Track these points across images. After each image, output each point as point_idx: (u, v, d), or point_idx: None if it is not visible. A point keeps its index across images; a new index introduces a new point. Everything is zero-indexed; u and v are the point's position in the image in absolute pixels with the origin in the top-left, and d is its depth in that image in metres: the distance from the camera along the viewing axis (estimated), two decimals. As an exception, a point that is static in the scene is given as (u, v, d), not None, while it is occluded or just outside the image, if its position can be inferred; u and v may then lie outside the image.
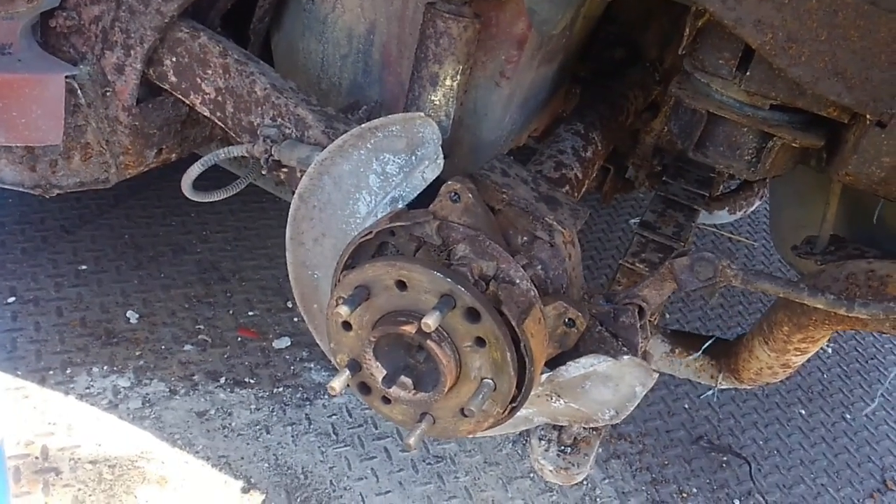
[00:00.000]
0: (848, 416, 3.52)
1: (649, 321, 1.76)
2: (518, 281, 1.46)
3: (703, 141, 1.81)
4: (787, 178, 2.41)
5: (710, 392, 3.25)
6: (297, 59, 2.07)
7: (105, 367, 2.63)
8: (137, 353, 2.71)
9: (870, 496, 3.18)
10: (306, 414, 2.70)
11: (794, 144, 1.73)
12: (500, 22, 1.81)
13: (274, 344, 2.92)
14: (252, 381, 2.75)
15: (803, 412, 3.47)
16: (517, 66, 1.87)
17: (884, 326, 1.69)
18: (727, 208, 3.10)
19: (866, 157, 1.56)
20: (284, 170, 1.77)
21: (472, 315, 1.39)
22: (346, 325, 1.52)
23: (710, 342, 2.25)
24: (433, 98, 1.75)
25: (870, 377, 3.80)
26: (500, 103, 1.95)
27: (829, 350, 3.85)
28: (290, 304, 3.05)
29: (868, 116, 1.52)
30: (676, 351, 2.37)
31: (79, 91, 1.89)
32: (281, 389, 2.75)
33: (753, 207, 3.17)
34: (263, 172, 1.78)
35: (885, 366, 3.91)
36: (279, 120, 1.75)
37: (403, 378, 1.51)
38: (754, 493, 3.00)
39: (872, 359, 3.93)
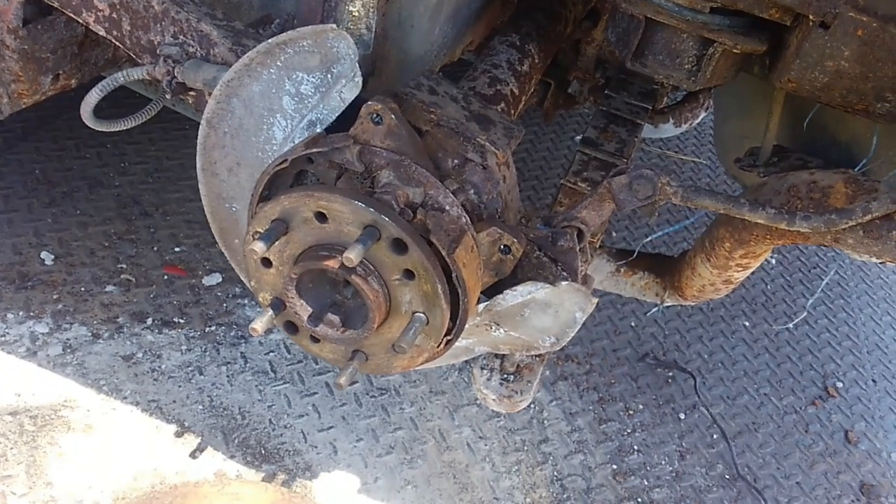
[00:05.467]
0: (791, 326, 3.55)
1: (590, 243, 1.69)
2: (448, 208, 1.36)
3: (642, 49, 1.72)
4: (731, 89, 2.35)
5: (656, 309, 3.24)
6: (203, -30, 1.89)
7: (21, 313, 2.47)
8: (55, 297, 2.56)
9: (811, 403, 3.22)
10: (242, 352, 2.60)
11: (735, 50, 1.66)
12: (422, -79, 1.66)
13: (204, 281, 2.79)
14: (182, 321, 2.62)
15: (747, 324, 3.48)
16: (443, -28, 1.73)
17: (825, 240, 1.64)
18: (672, 121, 3.03)
19: (809, 61, 1.51)
20: (192, 93, 1.62)
21: (399, 246, 1.29)
22: (266, 262, 1.42)
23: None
24: (352, 9, 1.61)
25: (813, 286, 3.83)
26: (427, 13, 1.81)
27: (773, 261, 3.86)
28: (218, 239, 2.91)
29: (811, 17, 1.47)
30: (622, 270, 2.32)
31: (-43, 13, 1.69)
32: (213, 328, 2.64)
33: (699, 119, 3.11)
34: (168, 96, 1.62)
35: (826, 274, 3.95)
36: (181, 37, 1.58)
37: (330, 316, 1.42)
38: (699, 406, 3.02)
39: (815, 268, 3.96)
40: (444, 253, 1.30)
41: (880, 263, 3.14)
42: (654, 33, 1.68)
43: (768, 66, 1.74)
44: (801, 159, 2.03)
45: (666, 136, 4.30)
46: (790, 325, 3.54)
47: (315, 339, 1.48)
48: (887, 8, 1.40)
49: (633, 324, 3.26)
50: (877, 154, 1.84)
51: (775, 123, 2.02)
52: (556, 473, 2.61)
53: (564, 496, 2.55)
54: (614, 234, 3.67)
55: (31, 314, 2.48)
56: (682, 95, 3.08)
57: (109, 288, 2.65)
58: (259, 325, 1.39)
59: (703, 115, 3.09)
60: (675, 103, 2.99)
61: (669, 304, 2.34)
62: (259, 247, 1.31)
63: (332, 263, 1.31)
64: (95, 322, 2.53)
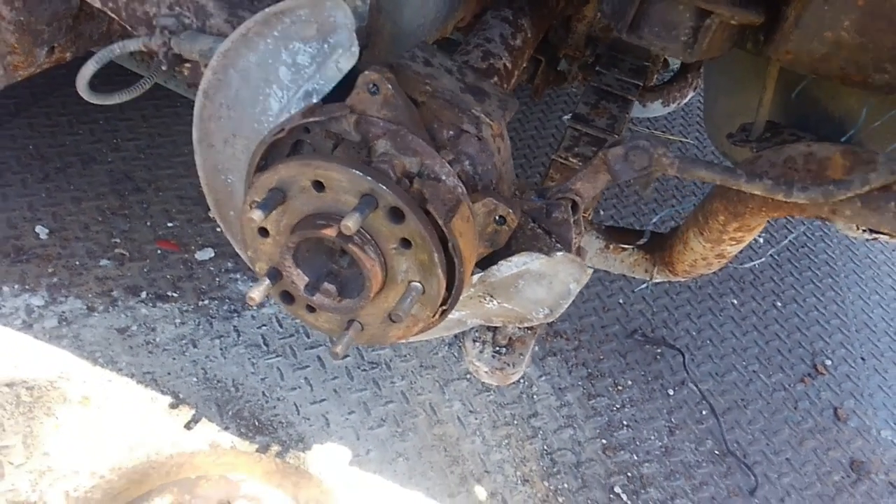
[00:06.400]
0: (779, 304, 3.59)
1: (583, 216, 1.70)
2: (444, 177, 1.37)
3: (638, 21, 1.71)
4: (722, 67, 2.35)
5: (645, 286, 3.27)
6: (198, -58, 1.88)
7: (16, 286, 2.48)
8: (50, 270, 2.56)
9: (800, 381, 3.26)
10: (234, 326, 2.61)
11: (732, 22, 1.64)
12: None
13: (196, 255, 2.79)
14: (175, 295, 2.63)
15: (735, 301, 3.51)
16: (438, -55, 1.73)
17: (822, 211, 1.65)
18: (661, 100, 3.04)
19: (808, 31, 1.49)
20: (187, 65, 1.62)
21: (396, 215, 1.30)
22: (263, 231, 1.42)
23: (644, 238, 2.21)
24: (347, -19, 1.60)
25: (800, 265, 3.87)
26: (421, -13, 1.81)
27: (761, 240, 3.89)
28: (211, 215, 2.88)
29: None
30: (611, 247, 2.33)
31: (-48, -16, 1.69)
32: (206, 302, 2.65)
33: (687, 99, 3.11)
34: (164, 68, 1.62)
35: (815, 253, 3.98)
36: (177, 9, 1.59)
37: (327, 285, 1.43)
38: (687, 383, 3.05)
39: (803, 247, 3.99)
40: (440, 222, 1.31)
41: (870, 241, 3.16)
42: (651, 5, 1.67)
43: (763, 40, 1.74)
44: (793, 134, 2.03)
45: (654, 116, 4.31)
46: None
47: (311, 309, 1.49)
48: (888, -24, 1.40)
49: (621, 300, 3.28)
50: (865, 126, 1.85)
51: (769, 99, 2.01)
52: (545, 447, 2.64)
53: (554, 469, 2.58)
54: (602, 212, 3.68)
55: (27, 287, 2.49)
56: (671, 74, 3.09)
57: (103, 262, 2.65)
58: (256, 293, 1.40)
59: (691, 94, 3.10)
60: (664, 83, 3.00)
61: (659, 280, 2.35)
62: (257, 215, 1.32)
63: (330, 232, 1.32)
64: (90, 295, 2.53)
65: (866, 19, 1.43)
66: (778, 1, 1.57)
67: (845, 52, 1.47)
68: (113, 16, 1.69)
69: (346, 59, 1.43)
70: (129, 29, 1.70)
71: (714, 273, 2.19)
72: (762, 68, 2.00)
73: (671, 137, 4.39)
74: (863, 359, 3.48)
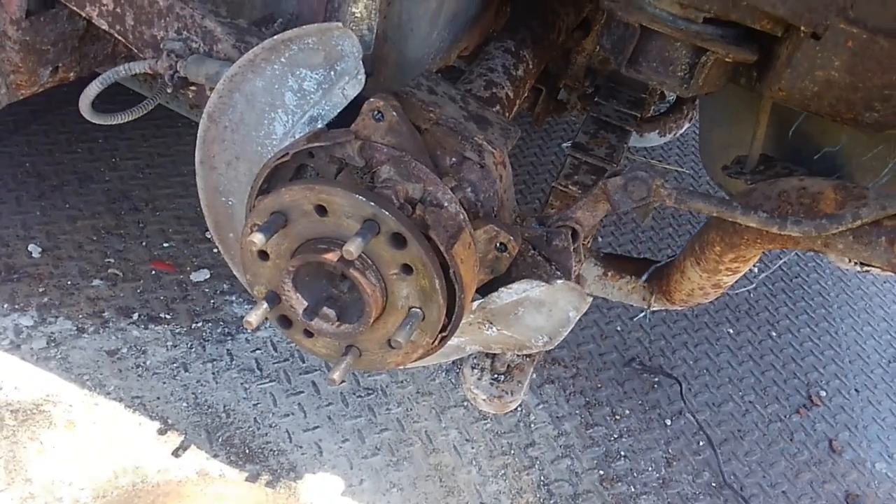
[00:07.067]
0: (774, 334, 3.59)
1: (583, 244, 1.71)
2: (446, 204, 1.38)
3: (636, 56, 1.74)
4: (717, 99, 2.39)
5: (642, 314, 3.27)
6: (204, -33, 1.89)
7: (5, 305, 2.45)
8: (41, 290, 2.53)
9: (796, 412, 3.25)
10: (228, 349, 2.59)
11: (727, 59, 1.68)
12: (423, -74, 1.68)
13: (191, 277, 2.77)
14: (168, 317, 2.61)
15: (731, 331, 3.52)
16: (443, -25, 1.75)
17: (815, 244, 1.67)
18: (657, 131, 3.08)
19: (800, 70, 1.53)
20: (193, 88, 1.63)
21: (398, 241, 1.30)
22: (263, 255, 1.42)
23: (651, 269, 2.22)
24: (354, 10, 1.63)
25: (794, 295, 3.88)
26: (426, 17, 1.83)
27: (755, 269, 3.90)
28: (208, 235, 2.88)
29: (802, 28, 1.49)
30: (609, 274, 2.34)
31: (-42, 3, 1.69)
32: (200, 324, 2.63)
33: (683, 130, 3.15)
34: (169, 90, 1.63)
35: (808, 283, 4.00)
36: (185, 33, 1.59)
37: (326, 309, 1.43)
38: (685, 413, 3.04)
39: (797, 277, 4.01)
40: (442, 248, 1.31)
41: (863, 272, 3.18)
42: (649, 41, 1.70)
43: (757, 77, 1.77)
44: (786, 167, 2.06)
45: (650, 146, 4.36)
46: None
47: (309, 334, 1.49)
48: (876, 20, 1.44)
49: (618, 328, 3.28)
50: (850, 158, 1.88)
51: (762, 133, 2.05)
52: (542, 478, 2.61)
53: (551, 502, 2.56)
54: (600, 238, 3.70)
55: (16, 307, 2.46)
56: (667, 105, 3.13)
57: (96, 282, 2.63)
58: (254, 318, 1.40)
59: (686, 125, 3.14)
60: (661, 113, 3.04)
61: (656, 308, 2.36)
62: (258, 238, 1.32)
63: (332, 256, 1.32)
64: (81, 316, 2.51)
65: (856, 60, 1.47)
66: (771, 40, 1.60)
67: (836, 90, 1.51)
68: (120, 38, 1.70)
69: (351, 87, 1.44)
70: (136, 51, 1.70)
71: (710, 302, 2.20)
72: (755, 102, 2.04)
73: (667, 167, 4.42)
74: (856, 390, 3.48)
